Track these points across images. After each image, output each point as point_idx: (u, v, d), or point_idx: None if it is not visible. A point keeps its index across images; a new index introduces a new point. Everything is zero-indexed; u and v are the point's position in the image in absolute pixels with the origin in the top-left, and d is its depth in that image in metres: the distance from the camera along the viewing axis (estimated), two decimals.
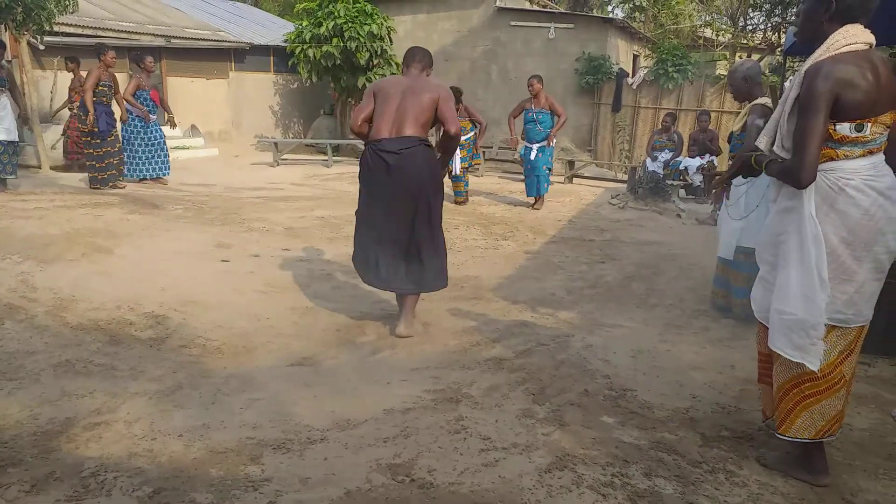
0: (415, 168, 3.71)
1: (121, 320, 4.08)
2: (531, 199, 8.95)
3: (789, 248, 2.45)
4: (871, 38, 2.35)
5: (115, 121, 8.80)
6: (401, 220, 3.80)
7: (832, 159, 2.37)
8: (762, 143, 2.55)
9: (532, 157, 8.59)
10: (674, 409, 3.19)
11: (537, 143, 8.57)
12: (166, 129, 10.10)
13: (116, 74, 9.01)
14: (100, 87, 8.40)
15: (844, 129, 2.33)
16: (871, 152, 2.37)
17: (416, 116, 3.71)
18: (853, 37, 2.32)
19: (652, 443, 2.84)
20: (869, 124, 2.33)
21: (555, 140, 8.76)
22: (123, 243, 5.89)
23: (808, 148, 2.30)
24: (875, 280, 2.44)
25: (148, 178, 9.32)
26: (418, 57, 3.97)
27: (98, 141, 8.48)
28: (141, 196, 8.27)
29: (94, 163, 8.57)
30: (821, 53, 2.36)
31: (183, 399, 3.10)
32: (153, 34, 13.60)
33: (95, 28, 12.52)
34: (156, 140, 9.24)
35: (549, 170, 8.87)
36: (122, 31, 12.97)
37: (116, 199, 7.91)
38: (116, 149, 8.76)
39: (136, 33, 13.31)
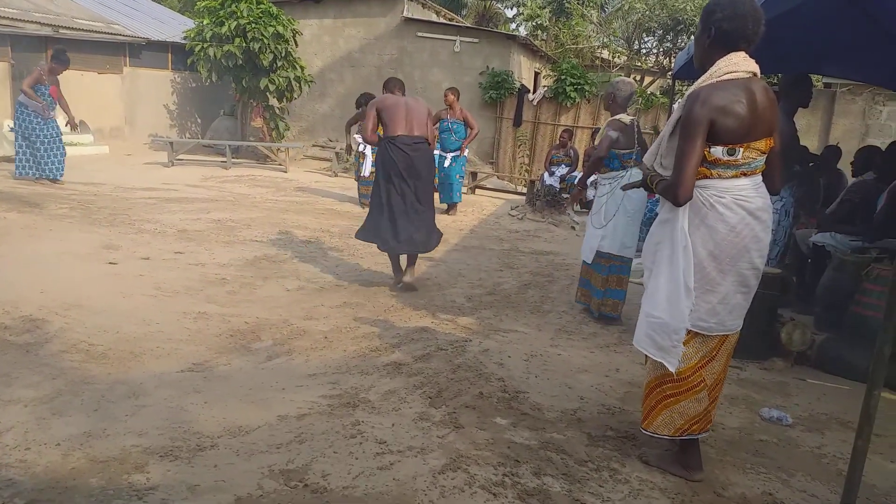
0: (421, 155, 5.18)
1: None
2: (443, 206, 9.22)
3: (662, 257, 2.62)
4: (754, 67, 2.49)
5: None
6: (412, 187, 5.14)
7: (707, 177, 2.52)
8: (647, 160, 2.71)
9: (446, 164, 9.03)
10: (563, 410, 3.32)
11: (451, 151, 9.01)
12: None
13: None
14: None
15: (718, 152, 2.47)
16: (744, 174, 2.52)
17: (421, 122, 5.21)
18: (735, 65, 2.46)
19: (541, 443, 2.94)
20: (741, 149, 2.47)
21: (467, 150, 9.31)
22: None
23: (685, 168, 2.43)
24: (739, 293, 2.60)
25: (42, 177, 8.59)
26: (399, 85, 5.49)
27: None
28: (20, 194, 7.74)
29: None
30: (703, 80, 2.49)
31: (62, 406, 2.93)
32: (39, 23, 12.76)
33: None
34: (54, 137, 8.55)
35: (461, 178, 9.33)
36: (2, 18, 12.09)
37: None
38: None
39: (20, 20, 12.44)
